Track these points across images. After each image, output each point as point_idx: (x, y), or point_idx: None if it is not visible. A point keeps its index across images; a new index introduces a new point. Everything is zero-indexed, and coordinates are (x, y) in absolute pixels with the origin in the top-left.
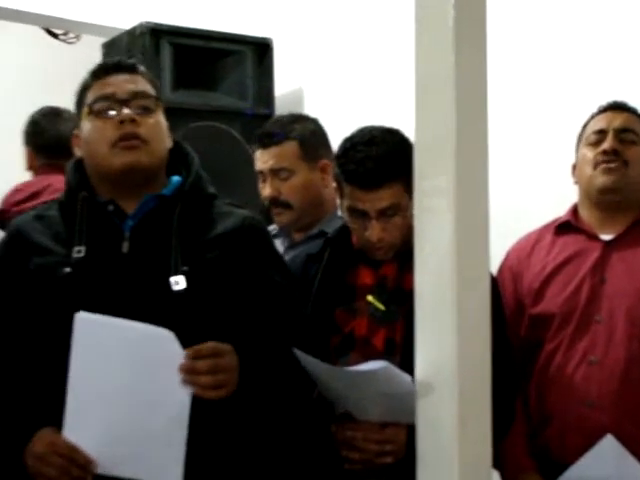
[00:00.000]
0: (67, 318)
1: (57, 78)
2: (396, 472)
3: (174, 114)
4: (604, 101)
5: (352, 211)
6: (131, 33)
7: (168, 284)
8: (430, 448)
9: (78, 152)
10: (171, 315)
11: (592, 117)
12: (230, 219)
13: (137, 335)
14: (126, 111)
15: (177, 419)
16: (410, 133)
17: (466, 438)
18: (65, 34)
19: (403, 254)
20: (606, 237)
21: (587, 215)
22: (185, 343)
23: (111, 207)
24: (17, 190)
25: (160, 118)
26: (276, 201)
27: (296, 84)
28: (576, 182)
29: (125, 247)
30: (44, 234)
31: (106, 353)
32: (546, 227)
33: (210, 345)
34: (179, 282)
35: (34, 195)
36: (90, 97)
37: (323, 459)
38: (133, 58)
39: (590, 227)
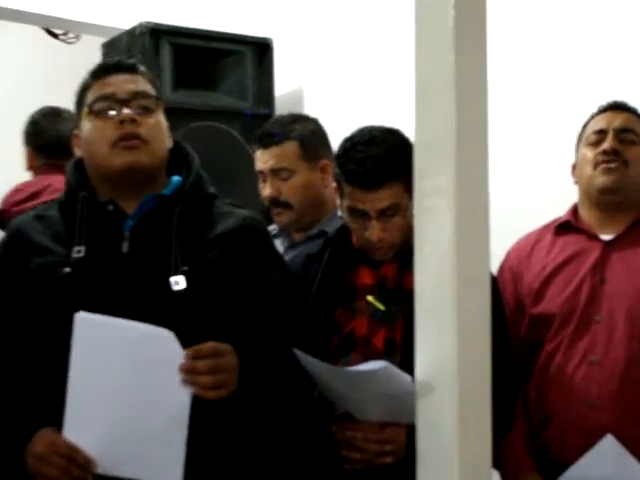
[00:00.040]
0: (67, 318)
1: (57, 78)
2: (396, 472)
3: (174, 114)
4: (604, 101)
5: (352, 211)
6: (131, 33)
7: (168, 284)
8: (430, 448)
9: (78, 152)
10: (171, 315)
11: (592, 117)
12: (230, 219)
13: (137, 335)
14: (126, 111)
15: (177, 419)
16: (410, 133)
17: (466, 438)
18: (65, 34)
19: (403, 254)
20: (606, 237)
21: (587, 215)
22: (185, 343)
23: (111, 207)
24: (17, 190)
25: (160, 118)
26: (276, 201)
27: (296, 84)
28: (576, 182)
29: (125, 247)
30: (44, 234)
31: (106, 353)
32: (546, 227)
33: (210, 345)
34: (179, 282)
35: (34, 195)
36: (90, 97)
37: (323, 459)
38: (133, 58)
39: (590, 227)
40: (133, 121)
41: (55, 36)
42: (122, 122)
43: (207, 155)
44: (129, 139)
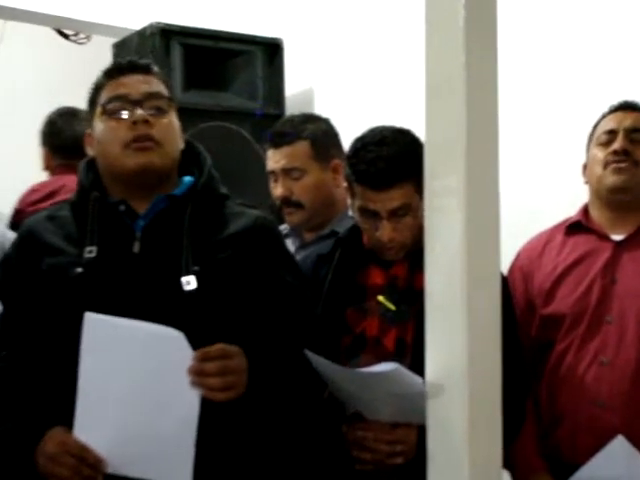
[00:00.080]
0: (78, 318)
1: (67, 78)
2: (407, 473)
3: (184, 114)
4: (615, 101)
5: (363, 211)
6: (141, 33)
7: (179, 284)
8: (440, 449)
9: (90, 151)
10: (182, 315)
11: (603, 117)
12: (242, 219)
13: (146, 335)
14: (139, 112)
15: (187, 419)
16: (421, 133)
17: (476, 439)
18: (76, 35)
19: (414, 254)
20: (617, 237)
21: (598, 215)
22: (196, 343)
23: (122, 207)
24: (33, 190)
25: (173, 119)
26: (288, 201)
27: (306, 84)
28: (586, 182)
29: (136, 247)
30: (56, 234)
31: (115, 353)
32: (557, 227)
33: (218, 347)
34: (190, 282)
35: (50, 195)
36: (104, 97)
37: (334, 459)
38: (143, 59)
39: (601, 227)
40: (146, 122)
41: (66, 37)
42: (135, 123)
43: (217, 155)
44: (142, 140)
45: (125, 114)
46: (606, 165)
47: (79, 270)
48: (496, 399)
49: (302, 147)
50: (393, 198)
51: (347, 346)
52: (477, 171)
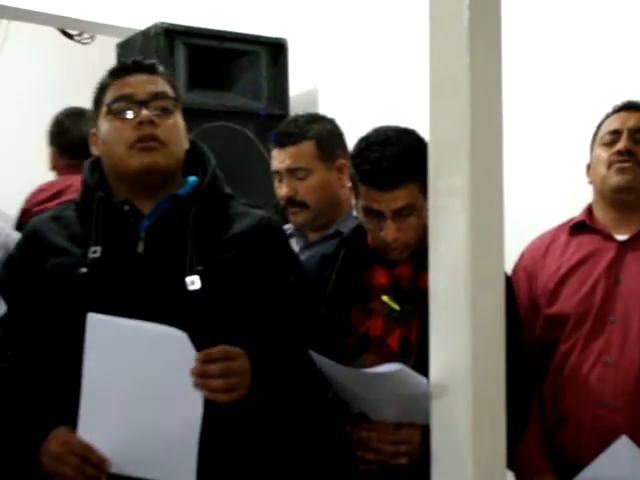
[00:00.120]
0: (83, 318)
1: (72, 78)
2: (411, 473)
3: (188, 114)
4: (618, 101)
5: (367, 211)
6: (145, 33)
7: (183, 284)
8: (444, 449)
9: (95, 151)
10: (186, 315)
11: (607, 117)
12: (246, 219)
13: (150, 335)
14: (145, 112)
15: (190, 419)
16: (425, 133)
17: (480, 439)
18: (80, 35)
19: (418, 254)
20: (621, 237)
21: (602, 215)
22: (200, 343)
23: (127, 207)
24: (40, 190)
25: (178, 119)
26: (292, 201)
27: (311, 84)
28: (590, 182)
29: (141, 247)
30: (60, 234)
31: (119, 353)
32: (561, 227)
33: (221, 348)
34: (194, 282)
35: (56, 195)
36: (109, 97)
37: (338, 460)
38: (147, 59)
39: (605, 227)
40: (151, 122)
41: (70, 37)
42: (141, 123)
43: (221, 155)
44: (147, 140)
45: (130, 114)
46: (610, 165)
47: (83, 270)
48: (500, 399)
49: (307, 147)
50: (397, 198)
51: (351, 346)
52: (481, 171)
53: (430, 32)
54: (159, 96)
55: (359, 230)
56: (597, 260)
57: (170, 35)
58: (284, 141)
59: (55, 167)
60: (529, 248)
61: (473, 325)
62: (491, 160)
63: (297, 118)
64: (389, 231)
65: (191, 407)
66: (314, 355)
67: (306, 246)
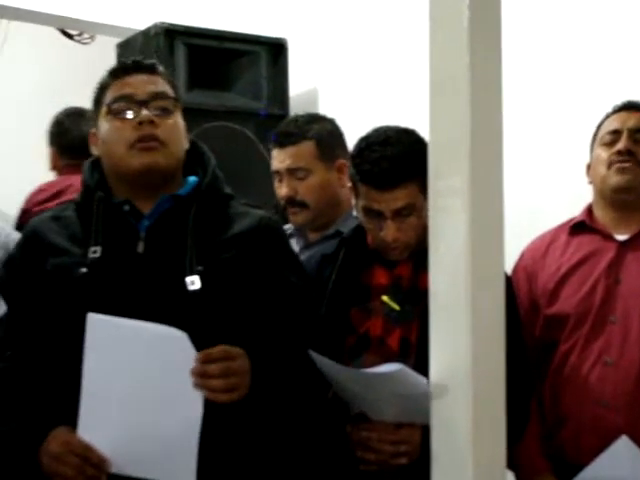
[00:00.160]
0: (83, 318)
1: (71, 78)
2: (411, 473)
3: (188, 114)
4: (618, 101)
5: (367, 211)
6: (145, 33)
7: (183, 284)
8: (444, 449)
9: (95, 150)
10: (186, 315)
11: (606, 117)
12: (246, 219)
13: (149, 335)
14: (145, 112)
15: (190, 419)
16: (425, 133)
17: (480, 439)
18: (80, 35)
19: (418, 254)
20: (621, 237)
21: (602, 215)
22: (201, 343)
23: (127, 207)
24: (40, 190)
25: (178, 119)
26: (292, 201)
27: (311, 84)
28: (590, 182)
29: (140, 247)
30: (60, 234)
31: (119, 353)
32: (561, 227)
33: (221, 348)
34: (194, 282)
35: (56, 195)
36: (109, 97)
37: (338, 460)
38: (147, 59)
39: (605, 227)
40: (151, 122)
41: (70, 37)
42: (141, 123)
43: (221, 155)
44: (147, 141)
45: (130, 114)
46: (610, 165)
47: (83, 270)
48: (500, 399)
49: (307, 147)
50: (397, 198)
51: (351, 346)
52: (481, 171)
53: (430, 32)
54: (159, 96)
55: (359, 230)
56: (597, 260)
57: (170, 35)
58: (284, 141)
59: (55, 167)
60: (529, 248)
61: (473, 325)
62: (491, 160)
63: (297, 118)
64: (389, 231)
65: (191, 407)
66: (314, 355)
67: (306, 246)
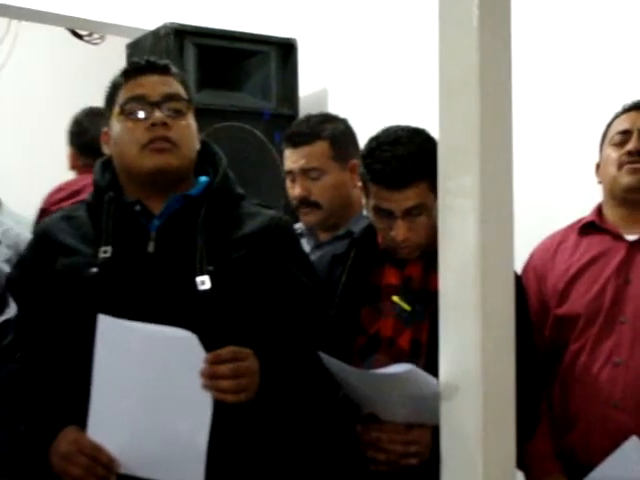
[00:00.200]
0: (93, 318)
1: (81, 79)
2: (421, 473)
3: (198, 115)
4: (628, 100)
5: (378, 211)
6: (155, 34)
7: (194, 284)
8: (454, 449)
9: (106, 150)
10: (196, 315)
11: (616, 117)
12: (257, 219)
13: (159, 337)
14: (157, 114)
15: (199, 420)
16: (435, 133)
17: (490, 440)
18: (90, 35)
19: (428, 254)
20: (631, 237)
21: (611, 215)
22: (210, 343)
23: (138, 207)
24: (59, 189)
25: (191, 120)
26: (306, 201)
27: (320, 84)
28: (600, 182)
29: (151, 247)
30: (71, 234)
31: (129, 354)
32: (570, 227)
33: (230, 349)
34: (205, 282)
35: (74, 194)
36: (121, 97)
37: (349, 460)
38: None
39: (615, 227)
40: (164, 124)
41: (80, 37)
42: (153, 125)
43: (230, 155)
44: (159, 142)
45: (143, 115)
46: (620, 165)
47: (94, 270)
48: (510, 400)
49: (321, 147)
50: (408, 197)
51: (361, 346)
52: (491, 171)
53: (440, 32)
54: (172, 97)
55: (369, 230)
56: (607, 260)
57: (180, 35)
58: (298, 141)
59: (74, 167)
60: (539, 248)
61: (483, 325)
62: (501, 160)
63: (309, 118)
64: (399, 230)
65: (200, 408)
66: (323, 357)
67: (317, 246)
